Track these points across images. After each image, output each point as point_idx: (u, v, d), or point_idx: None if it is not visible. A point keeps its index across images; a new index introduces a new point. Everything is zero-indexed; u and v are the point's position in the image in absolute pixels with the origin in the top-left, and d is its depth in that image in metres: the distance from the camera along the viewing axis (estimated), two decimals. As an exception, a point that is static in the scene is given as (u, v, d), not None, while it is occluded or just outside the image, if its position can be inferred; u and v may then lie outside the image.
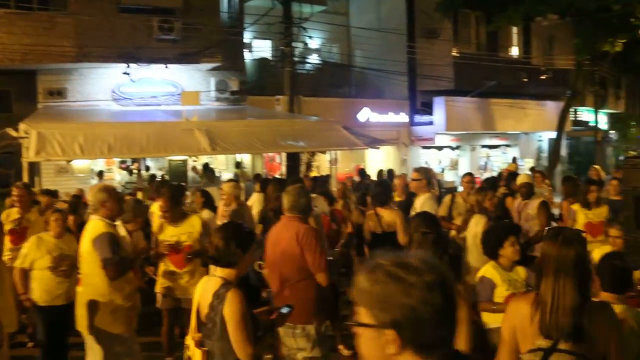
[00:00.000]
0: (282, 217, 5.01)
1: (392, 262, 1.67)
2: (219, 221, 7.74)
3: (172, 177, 16.06)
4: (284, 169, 16.44)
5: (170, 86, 16.30)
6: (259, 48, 19.54)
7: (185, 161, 17.63)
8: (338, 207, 9.31)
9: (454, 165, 22.54)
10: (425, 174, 8.58)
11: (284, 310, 3.66)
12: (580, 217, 7.72)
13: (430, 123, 21.07)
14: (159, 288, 6.52)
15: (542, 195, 8.35)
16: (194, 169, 17.46)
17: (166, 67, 15.54)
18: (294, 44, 16.10)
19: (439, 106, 20.88)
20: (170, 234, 6.31)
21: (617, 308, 3.57)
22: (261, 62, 19.12)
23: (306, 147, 13.54)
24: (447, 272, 1.70)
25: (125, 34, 14.66)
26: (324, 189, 9.81)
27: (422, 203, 7.63)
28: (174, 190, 7.21)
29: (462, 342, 3.53)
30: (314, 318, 4.77)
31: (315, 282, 4.72)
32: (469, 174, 8.64)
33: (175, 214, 6.40)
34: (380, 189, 7.40)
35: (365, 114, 19.88)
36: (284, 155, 16.23)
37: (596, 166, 13.11)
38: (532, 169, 18.89)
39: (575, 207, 7.90)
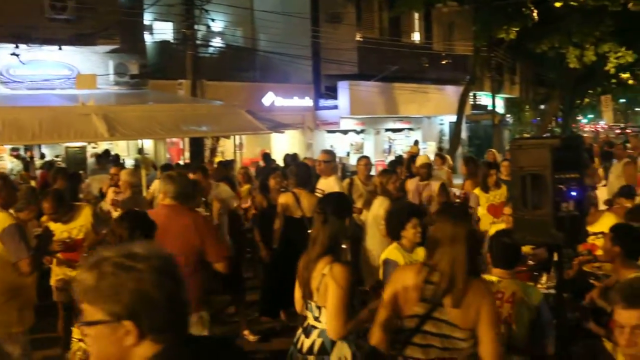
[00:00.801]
0: (162, 205, 4.74)
1: (117, 254, 1.66)
2: (110, 208, 7.49)
3: (69, 165, 15.36)
4: (187, 154, 16.11)
5: (65, 69, 15.50)
6: (160, 30, 18.94)
7: (83, 148, 16.91)
8: (242, 192, 9.24)
9: (359, 149, 22.84)
10: (333, 156, 8.65)
11: None
12: (482, 201, 8.14)
13: (335, 107, 21.26)
14: (53, 281, 6.21)
15: (440, 178, 8.61)
16: (93, 155, 16.77)
17: (60, 48, 14.76)
18: (196, 27, 15.71)
19: (343, 90, 21.08)
20: (60, 229, 5.96)
21: (508, 282, 3.75)
22: (162, 45, 18.54)
23: (209, 132, 13.27)
24: (172, 257, 1.72)
25: (14, 11, 13.70)
26: (227, 175, 9.67)
27: (330, 185, 7.66)
28: (68, 180, 6.88)
29: (333, 326, 3.55)
30: (205, 305, 4.72)
31: (204, 271, 4.59)
32: (365, 157, 8.76)
33: (64, 211, 6.06)
34: (302, 171, 7.29)
35: (270, 98, 19.77)
36: (187, 140, 15.89)
37: (492, 149, 13.63)
38: (440, 149, 19.55)
39: (477, 191, 8.28)
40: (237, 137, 16.57)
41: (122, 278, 1.61)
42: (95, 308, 1.62)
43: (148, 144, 17.80)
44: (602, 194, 10.24)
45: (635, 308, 2.25)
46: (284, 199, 7.07)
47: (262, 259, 7.32)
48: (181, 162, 15.95)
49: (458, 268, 3.08)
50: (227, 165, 12.43)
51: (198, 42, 16.34)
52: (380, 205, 7.00)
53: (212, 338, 2.63)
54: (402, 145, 24.46)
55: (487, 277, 3.97)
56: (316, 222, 3.77)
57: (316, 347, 3.63)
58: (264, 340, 7.09)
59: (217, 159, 15.88)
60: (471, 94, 25.94)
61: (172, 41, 18.68)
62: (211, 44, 19.41)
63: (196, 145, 15.23)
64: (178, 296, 1.67)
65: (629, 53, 22.49)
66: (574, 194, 3.39)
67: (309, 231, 6.12)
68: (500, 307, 3.73)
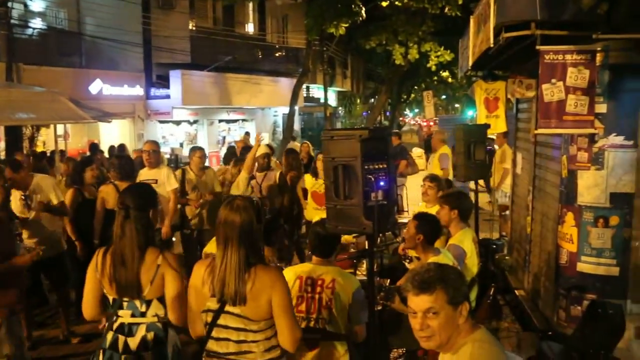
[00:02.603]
0: None
1: None
2: None
3: None
4: (2, 144, 14.88)
5: None
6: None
7: None
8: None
9: (192, 140, 22.48)
10: (159, 145, 8.48)
11: None
12: (309, 186, 8.29)
13: (167, 97, 20.71)
14: None
15: (275, 168, 8.76)
16: None
17: None
18: (11, 5, 14.49)
19: (176, 80, 20.58)
20: None
21: (327, 269, 3.87)
22: (-29, 23, 16.90)
23: (25, 120, 12.34)
24: None
25: None
26: (43, 166, 9.06)
27: (162, 176, 7.56)
28: None
29: (177, 314, 3.49)
30: None
31: None
32: (200, 149, 8.62)
33: None
34: (124, 162, 7.14)
35: (98, 86, 18.76)
36: (2, 129, 14.67)
37: (306, 142, 13.92)
38: (290, 139, 19.78)
39: (307, 177, 8.43)
40: (61, 126, 15.58)
41: None
42: None
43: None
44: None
45: (424, 293, 2.36)
46: (104, 191, 6.91)
47: (79, 257, 6.94)
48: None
49: (230, 264, 3.09)
50: (50, 157, 11.66)
51: (15, 22, 15.08)
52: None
53: None
54: (236, 136, 24.42)
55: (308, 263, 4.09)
56: (118, 217, 3.55)
57: (150, 341, 3.52)
58: (86, 341, 6.80)
59: (39, 149, 14.94)
60: (304, 86, 26.46)
61: (-17, 20, 17.09)
62: (30, 24, 18.02)
63: (13, 134, 14.10)
64: None
65: (447, 52, 24.09)
66: (382, 183, 3.54)
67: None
68: (322, 293, 3.84)
